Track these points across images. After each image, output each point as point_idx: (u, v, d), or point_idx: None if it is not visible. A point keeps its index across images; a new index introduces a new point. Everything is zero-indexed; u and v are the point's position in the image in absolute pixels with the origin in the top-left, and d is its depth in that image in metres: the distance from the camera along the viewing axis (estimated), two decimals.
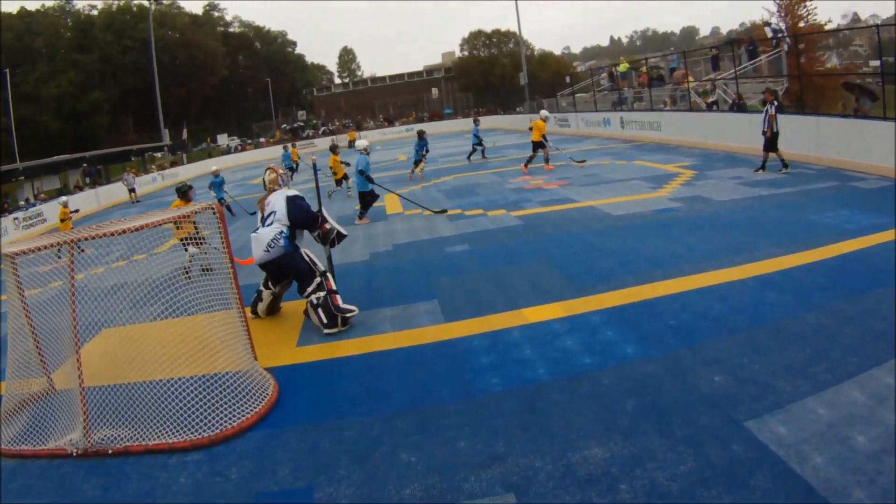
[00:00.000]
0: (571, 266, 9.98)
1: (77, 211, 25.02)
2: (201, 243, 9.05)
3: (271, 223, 8.65)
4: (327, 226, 9.20)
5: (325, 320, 8.44)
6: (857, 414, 4.99)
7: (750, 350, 6.36)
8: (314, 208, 9.09)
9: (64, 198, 25.97)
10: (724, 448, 4.73)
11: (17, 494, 6.00)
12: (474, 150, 28.02)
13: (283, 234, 8.58)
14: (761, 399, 5.37)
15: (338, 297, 8.61)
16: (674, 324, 7.27)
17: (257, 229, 8.74)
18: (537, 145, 22.30)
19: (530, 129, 22.61)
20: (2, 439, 7.05)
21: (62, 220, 21.95)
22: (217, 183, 22.19)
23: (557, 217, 13.90)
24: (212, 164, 18.26)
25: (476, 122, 29.80)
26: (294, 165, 32.81)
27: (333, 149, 21.99)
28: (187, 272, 8.20)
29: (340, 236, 9.41)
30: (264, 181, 9.40)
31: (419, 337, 7.89)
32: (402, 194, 18.70)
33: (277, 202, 8.80)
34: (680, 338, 6.88)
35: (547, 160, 22.62)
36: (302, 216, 8.80)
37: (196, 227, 9.62)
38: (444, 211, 16.03)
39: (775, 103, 15.85)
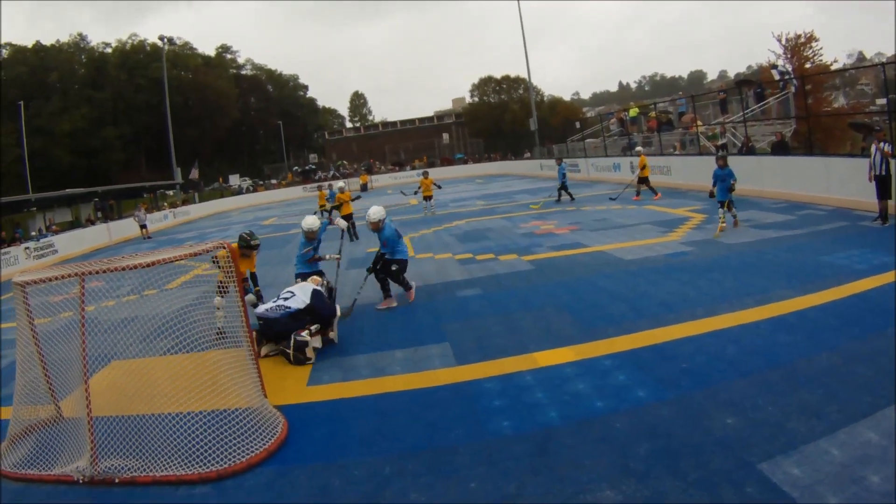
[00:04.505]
0: (583, 311, 9.95)
1: (359, 197, 26.09)
2: (224, 293, 9.04)
3: (287, 298, 9.79)
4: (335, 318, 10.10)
5: (290, 354, 9.18)
6: (870, 454, 4.94)
7: (763, 392, 6.32)
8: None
9: (341, 182, 28.28)
10: (738, 490, 4.68)
11: None
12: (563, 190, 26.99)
13: (290, 311, 9.54)
14: (774, 440, 5.32)
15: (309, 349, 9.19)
16: (686, 367, 7.23)
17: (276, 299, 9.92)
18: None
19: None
20: (6, 463, 7.12)
21: (343, 203, 23.08)
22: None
23: (568, 262, 13.90)
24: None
25: (558, 161, 28.40)
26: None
27: (425, 174, 29.45)
28: (220, 332, 8.24)
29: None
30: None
31: (430, 379, 7.89)
32: None
33: (303, 288, 10.01)
34: (693, 380, 6.83)
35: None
36: (324, 312, 9.80)
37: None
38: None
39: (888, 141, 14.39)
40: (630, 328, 8.83)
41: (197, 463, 6.26)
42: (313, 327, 9.35)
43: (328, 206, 31.14)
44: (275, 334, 9.57)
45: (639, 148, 27.69)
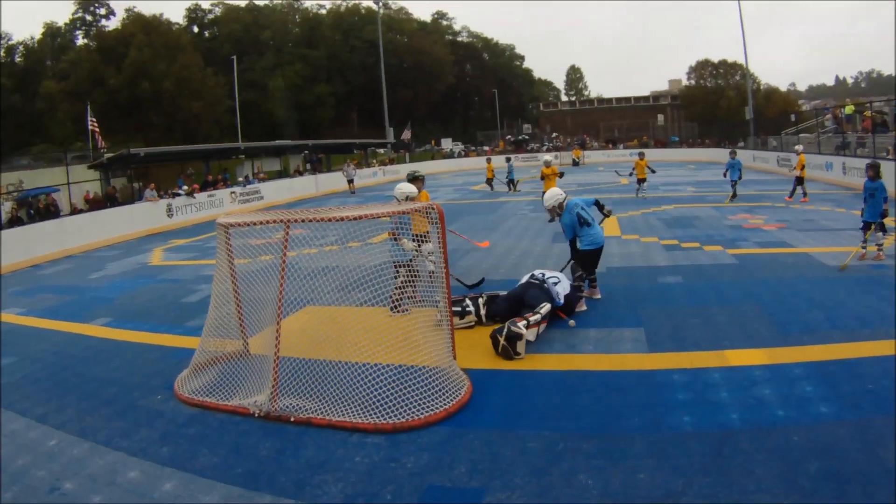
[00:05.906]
0: (780, 313, 9.55)
1: (562, 174, 24.90)
2: (421, 243, 9.44)
3: (555, 282, 9.91)
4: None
5: (500, 344, 8.46)
6: None
7: None
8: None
9: (548, 156, 28.79)
10: None
11: (191, 440, 6.55)
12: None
13: (550, 293, 9.64)
14: None
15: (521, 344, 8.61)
16: (872, 388, 6.71)
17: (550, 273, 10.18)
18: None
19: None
20: (185, 388, 7.71)
21: (547, 178, 23.16)
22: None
23: (772, 260, 13.40)
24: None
25: (732, 154, 27.38)
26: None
27: (641, 155, 28.13)
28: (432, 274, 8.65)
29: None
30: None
31: (619, 363, 7.93)
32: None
33: (566, 280, 10.16)
34: (876, 404, 6.36)
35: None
36: (573, 306, 10.01)
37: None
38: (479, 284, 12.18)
39: None
40: (823, 338, 8.35)
41: (375, 413, 6.51)
42: (532, 318, 8.90)
43: (506, 181, 32.40)
44: (515, 295, 9.78)
45: (798, 147, 26.07)
